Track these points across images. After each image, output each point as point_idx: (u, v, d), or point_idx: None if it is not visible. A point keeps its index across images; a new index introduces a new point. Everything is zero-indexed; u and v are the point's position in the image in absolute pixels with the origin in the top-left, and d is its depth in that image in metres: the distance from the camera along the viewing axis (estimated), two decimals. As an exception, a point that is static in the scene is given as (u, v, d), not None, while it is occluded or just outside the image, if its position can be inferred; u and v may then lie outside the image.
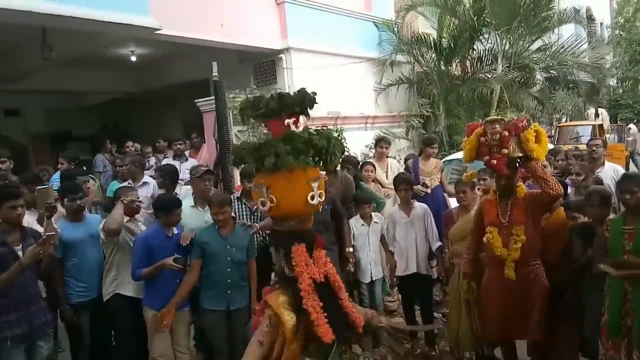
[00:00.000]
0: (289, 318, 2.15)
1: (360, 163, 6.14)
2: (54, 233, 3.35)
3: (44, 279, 3.78)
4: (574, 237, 3.64)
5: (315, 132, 2.22)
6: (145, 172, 5.70)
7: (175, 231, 3.95)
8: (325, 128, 2.32)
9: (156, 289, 3.77)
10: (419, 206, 4.75)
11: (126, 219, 3.91)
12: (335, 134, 2.33)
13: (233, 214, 4.50)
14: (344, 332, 2.27)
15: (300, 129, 2.22)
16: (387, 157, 6.54)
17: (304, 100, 2.23)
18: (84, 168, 6.41)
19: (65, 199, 3.98)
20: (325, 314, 2.12)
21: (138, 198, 4.03)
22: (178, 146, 6.76)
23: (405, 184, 4.70)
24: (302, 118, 2.24)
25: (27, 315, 3.26)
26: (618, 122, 21.97)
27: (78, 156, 5.01)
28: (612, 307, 3.15)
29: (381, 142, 6.42)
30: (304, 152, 2.15)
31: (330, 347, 2.22)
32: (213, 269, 3.86)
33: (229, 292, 3.85)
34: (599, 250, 3.27)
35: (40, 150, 11.61)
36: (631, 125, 16.98)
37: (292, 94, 2.27)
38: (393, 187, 5.87)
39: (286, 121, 2.21)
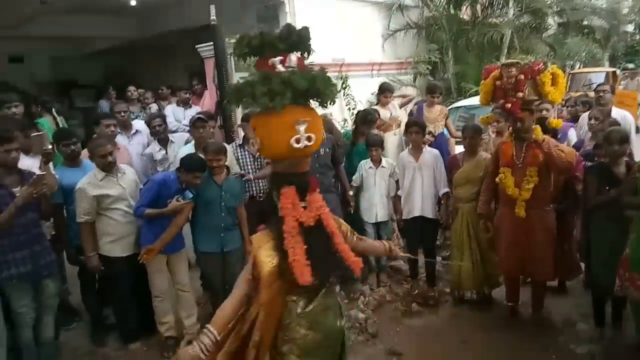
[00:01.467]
0: (266, 260, 2.15)
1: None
2: (44, 173, 3.41)
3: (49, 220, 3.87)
4: (589, 176, 3.70)
5: (297, 73, 2.11)
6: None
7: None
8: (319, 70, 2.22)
9: (151, 231, 3.83)
10: (429, 151, 4.71)
11: (101, 175, 3.79)
12: (325, 75, 2.20)
13: (236, 161, 4.56)
14: (329, 274, 2.30)
15: (290, 68, 2.12)
16: (390, 105, 6.41)
17: (288, 37, 2.13)
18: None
19: (60, 145, 4.00)
20: (309, 257, 2.09)
21: (110, 152, 3.81)
22: (184, 95, 6.73)
23: (417, 126, 4.65)
24: (292, 57, 2.14)
25: (31, 255, 3.38)
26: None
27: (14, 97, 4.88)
28: (637, 242, 3.23)
29: (385, 92, 6.32)
30: (281, 94, 2.05)
31: (318, 289, 2.25)
32: (208, 215, 3.96)
33: (222, 235, 3.98)
34: (628, 188, 3.32)
35: (45, 97, 11.59)
36: None
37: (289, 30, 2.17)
38: (397, 123, 5.95)
39: (271, 60, 2.12)
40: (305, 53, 2.24)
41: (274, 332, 2.25)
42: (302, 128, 2.07)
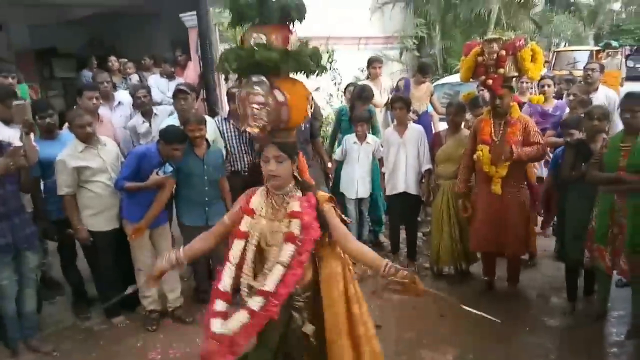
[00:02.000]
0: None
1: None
2: (21, 145, 3.36)
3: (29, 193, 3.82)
4: (566, 151, 3.78)
5: (261, 45, 2.19)
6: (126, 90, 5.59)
7: None
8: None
9: (134, 205, 3.81)
10: (414, 128, 4.74)
11: (81, 146, 3.74)
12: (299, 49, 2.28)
13: (220, 135, 4.54)
14: None
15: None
16: (380, 76, 6.45)
17: (286, 6, 2.20)
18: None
19: (36, 117, 3.87)
20: None
21: (90, 123, 3.76)
22: (168, 67, 6.64)
23: (402, 102, 4.67)
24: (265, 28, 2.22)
25: (10, 227, 3.35)
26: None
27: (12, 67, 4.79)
28: (600, 216, 3.41)
29: (374, 63, 6.30)
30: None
31: None
32: (190, 188, 3.97)
33: (206, 208, 4.00)
34: (595, 164, 3.43)
35: (25, 66, 11.28)
36: None
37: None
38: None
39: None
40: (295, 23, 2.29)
41: None
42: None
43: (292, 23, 2.30)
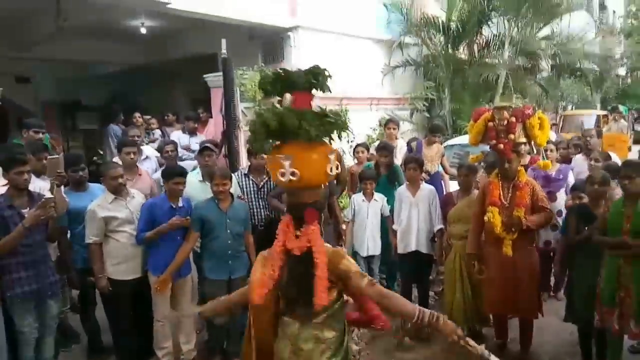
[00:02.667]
0: (256, 272, 2.37)
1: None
2: (53, 197, 3.53)
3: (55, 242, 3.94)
4: (570, 216, 3.90)
5: (288, 111, 2.25)
6: (150, 144, 5.83)
7: (181, 204, 4.07)
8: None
9: (158, 256, 3.95)
10: (426, 187, 4.87)
11: (111, 197, 3.95)
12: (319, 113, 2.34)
13: (240, 190, 4.71)
14: (297, 305, 2.34)
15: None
16: (396, 138, 6.58)
17: (309, 76, 2.32)
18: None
19: (68, 170, 4.09)
20: (284, 283, 2.30)
21: (121, 175, 3.99)
22: (192, 124, 6.90)
23: (415, 163, 4.84)
24: (287, 95, 2.29)
25: (36, 274, 3.46)
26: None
27: (43, 124, 5.06)
28: (607, 280, 3.48)
29: (390, 124, 6.50)
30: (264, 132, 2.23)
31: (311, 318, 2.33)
32: (214, 241, 4.05)
33: (229, 262, 4.06)
34: (597, 228, 3.56)
35: (49, 118, 11.75)
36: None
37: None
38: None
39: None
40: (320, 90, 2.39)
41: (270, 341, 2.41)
42: (286, 163, 2.21)
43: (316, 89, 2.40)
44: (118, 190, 3.96)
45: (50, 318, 3.65)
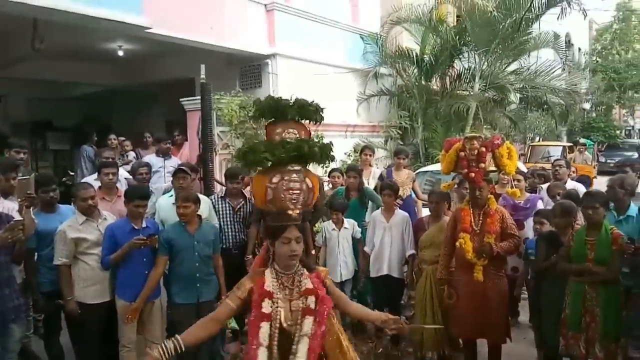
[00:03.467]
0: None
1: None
2: (22, 219, 3.47)
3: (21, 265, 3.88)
4: (538, 242, 4.05)
5: (302, 140, 2.48)
6: (124, 166, 5.80)
7: (144, 224, 4.03)
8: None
9: (126, 281, 3.91)
10: (400, 213, 5.00)
11: (82, 219, 3.91)
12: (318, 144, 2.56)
13: (216, 213, 4.71)
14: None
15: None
16: (371, 165, 6.68)
17: (300, 106, 2.55)
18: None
19: (39, 191, 4.02)
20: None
21: (92, 196, 3.97)
22: (166, 145, 6.79)
23: (390, 189, 4.98)
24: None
25: None
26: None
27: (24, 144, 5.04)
28: (573, 305, 3.61)
29: (366, 150, 6.63)
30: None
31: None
32: (181, 265, 4.00)
33: (198, 285, 4.02)
34: (563, 256, 3.73)
35: (19, 137, 11.52)
36: None
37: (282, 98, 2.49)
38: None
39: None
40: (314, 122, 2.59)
41: None
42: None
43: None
44: (89, 212, 3.93)
45: (13, 343, 3.53)
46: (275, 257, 2.46)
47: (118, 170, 5.17)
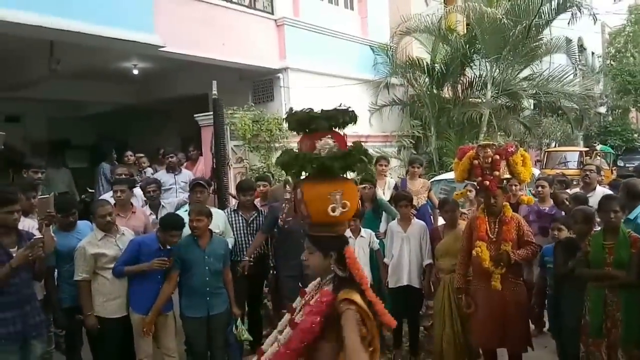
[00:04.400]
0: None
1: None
2: (42, 237, 3.55)
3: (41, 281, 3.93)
4: (557, 249, 3.99)
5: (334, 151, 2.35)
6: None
7: (168, 246, 4.09)
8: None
9: (140, 295, 3.97)
10: (417, 223, 4.98)
11: (101, 234, 3.99)
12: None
13: (230, 226, 4.74)
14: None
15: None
16: (386, 175, 6.68)
17: (334, 117, 2.43)
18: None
19: (59, 215, 4.10)
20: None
21: (110, 213, 4.05)
22: (169, 159, 6.76)
23: (406, 200, 4.97)
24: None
25: (21, 315, 3.41)
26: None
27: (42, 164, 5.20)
28: (593, 311, 3.55)
29: (381, 160, 6.62)
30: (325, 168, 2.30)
31: None
32: (192, 278, 4.05)
33: (208, 299, 4.06)
34: (581, 261, 3.66)
35: (38, 156, 11.72)
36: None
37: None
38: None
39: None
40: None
41: None
42: (338, 197, 2.27)
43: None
44: (107, 228, 4.01)
45: (35, 358, 3.56)
46: None
47: (133, 187, 5.25)
